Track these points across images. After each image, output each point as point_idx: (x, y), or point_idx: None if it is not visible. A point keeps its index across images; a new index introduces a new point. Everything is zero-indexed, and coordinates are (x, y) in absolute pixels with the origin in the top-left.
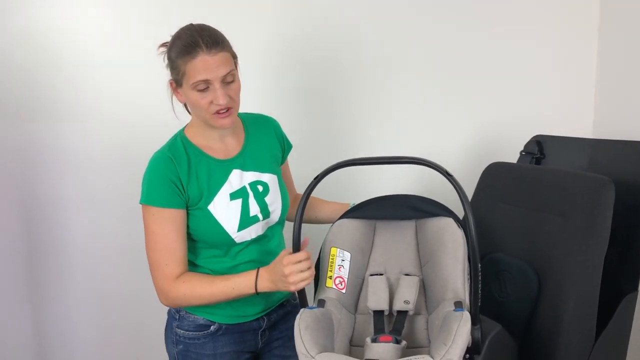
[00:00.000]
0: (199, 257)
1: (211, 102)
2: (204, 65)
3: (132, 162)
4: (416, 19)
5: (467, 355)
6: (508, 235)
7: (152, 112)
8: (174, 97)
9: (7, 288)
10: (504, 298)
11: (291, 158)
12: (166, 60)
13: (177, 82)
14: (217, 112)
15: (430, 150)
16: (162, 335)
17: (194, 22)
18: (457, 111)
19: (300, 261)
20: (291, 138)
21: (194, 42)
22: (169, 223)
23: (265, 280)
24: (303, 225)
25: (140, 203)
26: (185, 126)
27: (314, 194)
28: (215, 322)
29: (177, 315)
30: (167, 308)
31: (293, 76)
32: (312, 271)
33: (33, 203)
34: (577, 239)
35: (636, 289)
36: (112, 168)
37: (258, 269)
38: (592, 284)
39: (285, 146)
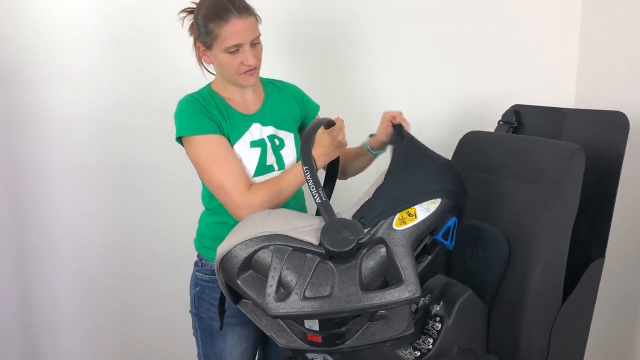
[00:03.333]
0: (215, 202)
1: (241, 63)
2: (236, 29)
3: (118, 126)
4: None
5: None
6: (482, 202)
7: (137, 74)
8: (202, 59)
9: None
10: (476, 264)
11: None
12: (192, 25)
13: (206, 45)
14: (245, 72)
15: (411, 118)
16: (147, 305)
17: None
18: (439, 80)
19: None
20: None
21: (225, 7)
22: (217, 146)
23: (320, 156)
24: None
25: (179, 136)
26: (210, 83)
27: None
28: None
29: (200, 263)
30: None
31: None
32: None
33: (17, 170)
34: (546, 205)
35: (603, 255)
36: (98, 132)
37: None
38: (560, 249)
39: (307, 109)
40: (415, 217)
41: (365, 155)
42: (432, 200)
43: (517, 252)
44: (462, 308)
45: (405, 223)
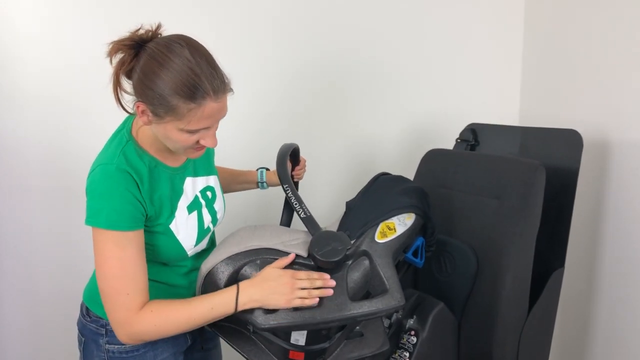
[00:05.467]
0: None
1: (197, 142)
2: (209, 113)
3: (63, 144)
4: (351, 11)
5: None
6: (448, 218)
7: (85, 93)
8: (140, 118)
9: None
10: (444, 277)
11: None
12: (128, 65)
13: (156, 114)
14: (197, 148)
15: (371, 138)
16: None
17: (184, 36)
18: (396, 102)
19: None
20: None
21: (201, 85)
22: (132, 246)
23: (250, 294)
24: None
25: (97, 227)
26: (130, 127)
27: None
28: None
29: (102, 330)
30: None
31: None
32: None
33: None
34: (511, 220)
35: (563, 265)
36: (44, 152)
37: (238, 283)
38: (526, 261)
39: None
40: (395, 230)
41: (251, 184)
42: (408, 215)
43: (484, 265)
44: (435, 321)
45: (386, 236)
